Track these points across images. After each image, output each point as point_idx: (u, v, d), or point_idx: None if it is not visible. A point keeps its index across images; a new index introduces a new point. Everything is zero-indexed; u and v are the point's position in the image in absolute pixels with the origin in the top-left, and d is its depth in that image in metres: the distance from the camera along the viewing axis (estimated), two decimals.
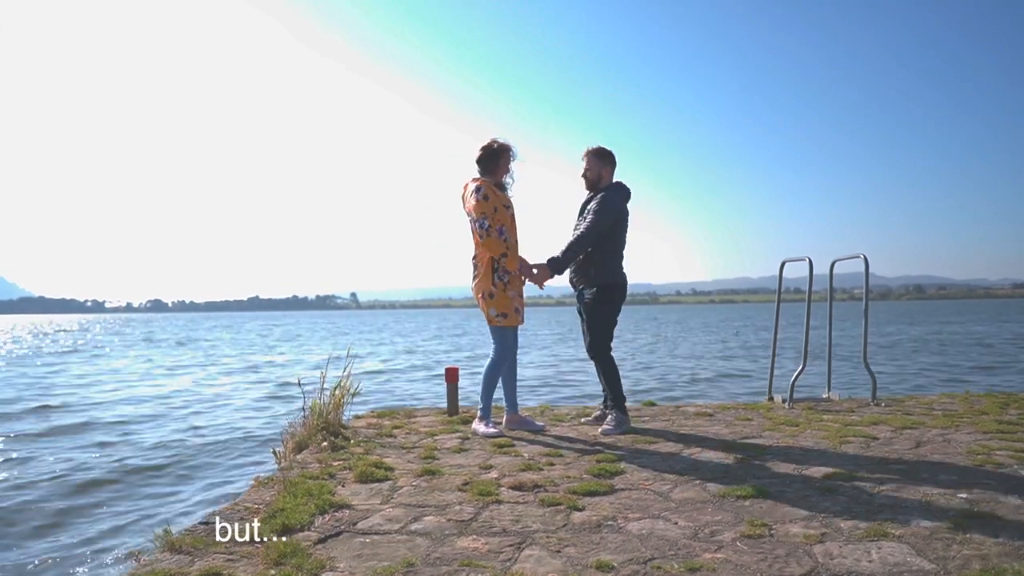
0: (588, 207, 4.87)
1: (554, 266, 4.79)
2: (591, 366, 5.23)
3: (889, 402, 6.19)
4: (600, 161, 4.95)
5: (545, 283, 4.89)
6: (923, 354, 22.01)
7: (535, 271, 4.83)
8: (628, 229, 4.91)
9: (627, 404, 5.04)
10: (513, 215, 4.77)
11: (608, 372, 4.86)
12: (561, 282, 5.03)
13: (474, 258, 4.79)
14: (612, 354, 4.94)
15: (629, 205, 4.93)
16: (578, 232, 4.77)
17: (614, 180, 4.97)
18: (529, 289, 5.00)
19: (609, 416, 4.89)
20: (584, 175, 4.99)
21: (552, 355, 23.65)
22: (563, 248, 4.78)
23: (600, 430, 4.81)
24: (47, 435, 9.59)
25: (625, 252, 4.93)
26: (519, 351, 5.03)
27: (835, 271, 6.43)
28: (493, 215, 4.63)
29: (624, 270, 4.93)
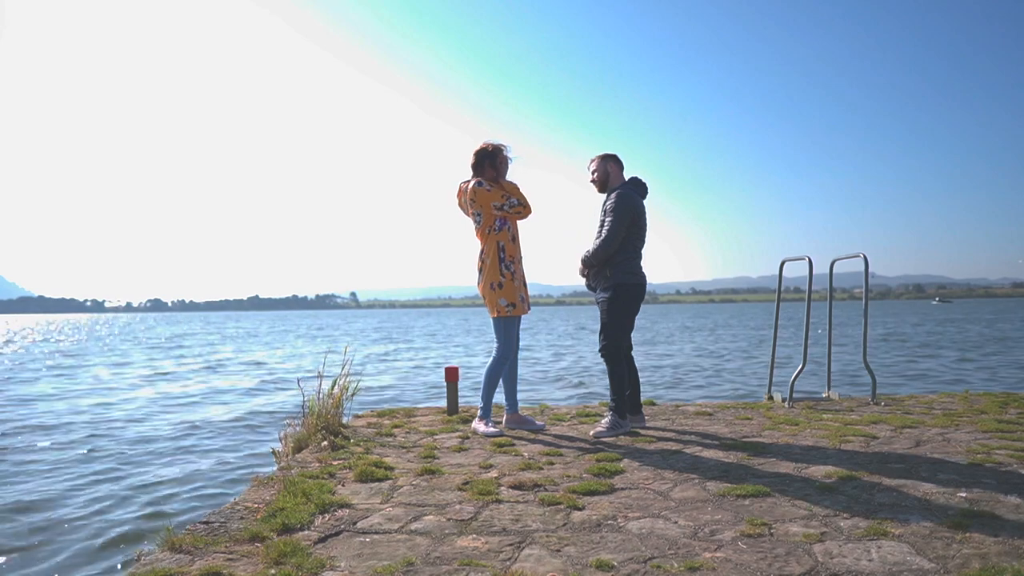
0: (604, 207, 4.84)
1: (585, 263, 4.91)
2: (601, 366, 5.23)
3: (889, 401, 6.19)
4: (603, 161, 4.94)
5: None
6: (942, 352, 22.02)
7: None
8: (646, 227, 4.84)
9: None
10: None
11: (613, 373, 4.79)
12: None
13: (481, 253, 4.82)
14: (621, 355, 4.84)
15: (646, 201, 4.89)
16: (601, 238, 4.73)
17: (628, 177, 4.91)
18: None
19: (604, 418, 4.85)
20: (592, 181, 5.00)
21: (555, 354, 23.66)
22: (590, 251, 4.81)
23: (592, 431, 4.78)
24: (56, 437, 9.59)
25: (644, 251, 4.88)
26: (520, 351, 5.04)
27: (835, 270, 6.43)
28: (507, 192, 4.71)
29: (642, 269, 4.87)
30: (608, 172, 4.92)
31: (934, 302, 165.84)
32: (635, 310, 4.87)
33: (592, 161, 5.01)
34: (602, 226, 4.81)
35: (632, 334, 4.93)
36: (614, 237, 4.69)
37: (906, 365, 18.29)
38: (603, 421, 4.84)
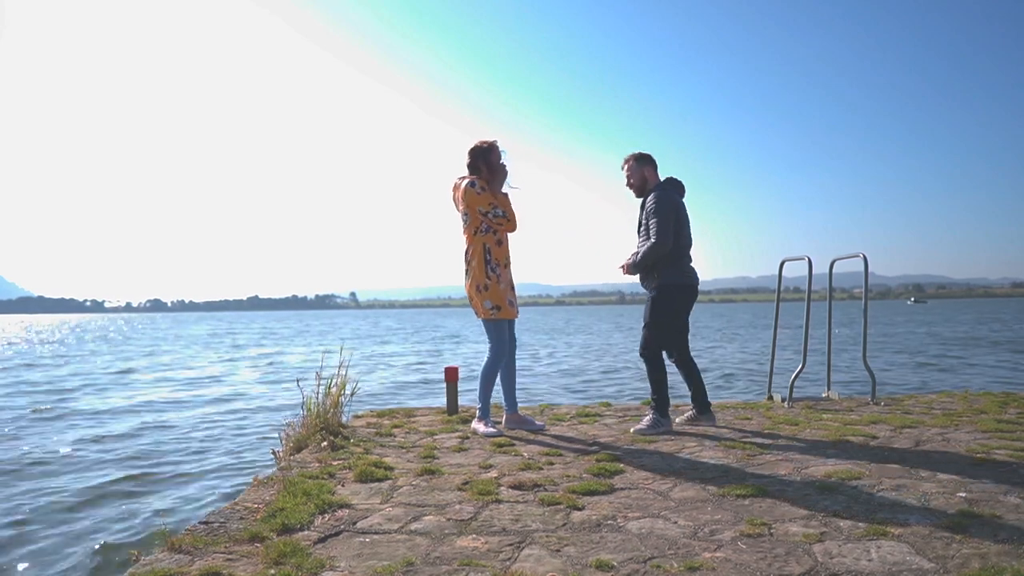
0: (644, 210, 4.80)
1: (632, 269, 4.88)
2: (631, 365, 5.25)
3: (888, 401, 6.19)
4: (639, 164, 4.90)
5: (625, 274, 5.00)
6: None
7: (624, 264, 4.93)
8: (689, 225, 4.79)
9: (635, 403, 5.05)
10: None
11: (654, 372, 4.80)
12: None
13: (467, 253, 4.82)
14: (660, 355, 4.86)
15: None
16: (651, 241, 4.67)
17: (664, 178, 4.89)
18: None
19: (646, 417, 4.86)
20: (629, 184, 4.96)
21: (555, 352, 23.67)
22: (640, 253, 4.76)
23: (633, 429, 4.82)
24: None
25: (692, 251, 4.83)
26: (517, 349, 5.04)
27: (835, 270, 6.43)
28: (495, 201, 4.71)
29: (691, 268, 4.83)
30: (645, 178, 4.89)
31: (908, 302, 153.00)
32: (682, 310, 4.85)
33: (626, 164, 4.95)
34: (644, 229, 4.77)
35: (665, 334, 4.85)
36: (665, 238, 4.64)
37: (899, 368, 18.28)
38: (645, 418, 4.85)
